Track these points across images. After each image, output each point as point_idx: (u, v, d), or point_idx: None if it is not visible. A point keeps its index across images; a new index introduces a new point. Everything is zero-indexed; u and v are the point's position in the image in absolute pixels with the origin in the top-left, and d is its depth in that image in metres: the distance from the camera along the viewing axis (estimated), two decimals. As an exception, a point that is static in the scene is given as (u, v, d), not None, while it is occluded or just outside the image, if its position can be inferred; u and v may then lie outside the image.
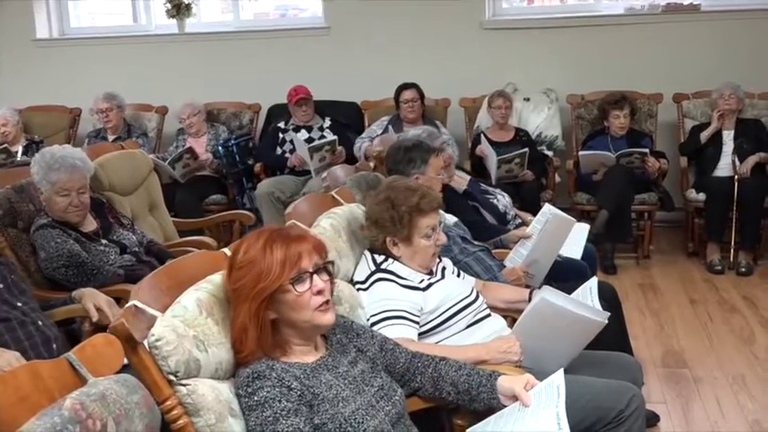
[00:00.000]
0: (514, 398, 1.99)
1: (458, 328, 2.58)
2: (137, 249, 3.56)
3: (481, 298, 2.72)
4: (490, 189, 4.47)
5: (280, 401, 1.80)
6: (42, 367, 1.53)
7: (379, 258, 2.62)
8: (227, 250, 2.16)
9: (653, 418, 3.30)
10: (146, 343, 1.75)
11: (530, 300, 2.77)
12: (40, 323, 2.74)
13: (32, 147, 5.98)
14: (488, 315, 2.69)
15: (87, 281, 3.20)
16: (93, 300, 2.93)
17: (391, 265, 2.59)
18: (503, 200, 4.34)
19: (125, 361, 1.77)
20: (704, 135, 5.61)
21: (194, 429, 1.78)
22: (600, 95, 5.92)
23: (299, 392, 1.84)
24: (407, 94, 5.87)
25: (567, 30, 6.32)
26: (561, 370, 1.94)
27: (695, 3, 6.19)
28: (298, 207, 2.81)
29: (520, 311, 2.64)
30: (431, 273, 2.67)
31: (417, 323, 2.50)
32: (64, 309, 2.99)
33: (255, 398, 1.81)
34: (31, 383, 1.47)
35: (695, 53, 6.09)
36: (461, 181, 4.21)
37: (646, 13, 6.28)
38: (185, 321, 1.82)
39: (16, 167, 4.87)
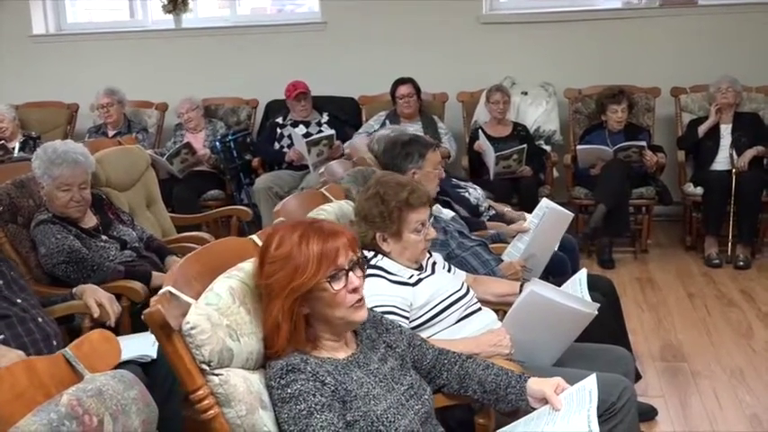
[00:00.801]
0: (544, 400, 1.97)
1: (448, 323, 2.57)
2: (137, 245, 3.56)
3: (471, 292, 2.71)
4: (461, 183, 4.47)
5: (314, 395, 1.78)
6: (39, 363, 1.53)
7: (369, 254, 2.61)
8: (255, 237, 2.14)
9: (651, 412, 3.30)
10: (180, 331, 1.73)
11: (520, 293, 2.77)
12: (39, 320, 2.74)
13: (29, 143, 5.98)
14: (479, 309, 2.68)
15: (87, 277, 3.20)
16: (94, 295, 2.92)
17: (380, 261, 2.58)
18: (474, 192, 4.34)
19: (122, 357, 1.77)
20: (702, 129, 5.61)
21: (225, 420, 1.76)
22: (597, 90, 5.92)
23: (332, 388, 1.82)
24: (403, 90, 5.87)
25: (564, 24, 6.31)
26: (594, 375, 1.92)
27: (692, -4, 6.20)
28: (287, 204, 2.81)
29: (511, 305, 2.63)
30: (420, 268, 2.66)
31: (407, 318, 2.49)
32: (64, 305, 2.98)
33: (289, 390, 1.79)
34: (28, 380, 1.46)
35: (693, 47, 6.09)
36: None
37: (643, 7, 6.28)
38: (219, 310, 1.80)
39: (13, 163, 4.85)
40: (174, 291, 1.77)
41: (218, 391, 1.76)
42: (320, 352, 1.91)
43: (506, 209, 4.36)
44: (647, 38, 6.18)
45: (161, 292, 1.77)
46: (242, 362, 1.83)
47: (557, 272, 3.39)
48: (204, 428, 1.78)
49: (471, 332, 2.55)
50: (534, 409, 2.00)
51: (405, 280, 2.55)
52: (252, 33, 6.78)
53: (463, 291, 2.67)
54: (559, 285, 2.62)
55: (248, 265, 1.96)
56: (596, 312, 2.43)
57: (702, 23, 6.11)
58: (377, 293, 2.49)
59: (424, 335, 2.51)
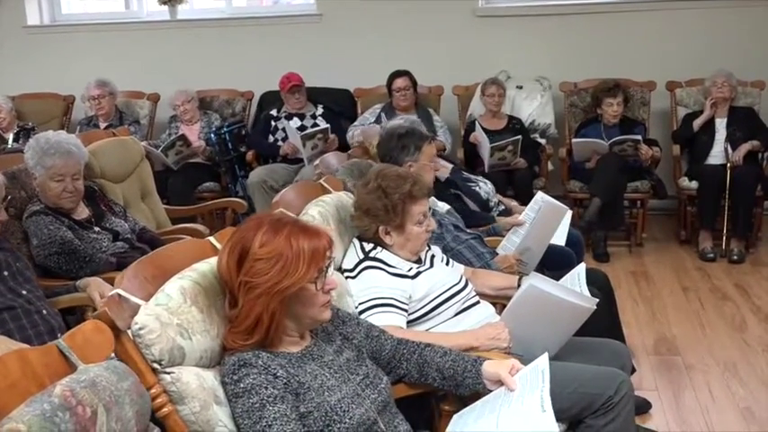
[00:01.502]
0: (500, 382, 2.00)
1: (447, 316, 2.58)
2: (129, 236, 3.55)
3: (470, 285, 2.72)
4: (472, 177, 4.47)
5: (266, 388, 1.80)
6: (32, 354, 1.52)
7: (368, 246, 2.62)
8: (212, 239, 2.15)
9: (645, 406, 3.31)
10: (129, 332, 1.75)
11: (519, 287, 2.78)
12: (44, 312, 2.73)
13: (24, 134, 5.95)
14: (477, 302, 2.69)
15: (79, 268, 3.19)
16: (98, 289, 2.92)
17: (380, 253, 2.59)
18: (485, 187, 4.34)
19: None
20: (697, 123, 5.61)
21: (179, 417, 1.78)
22: (593, 83, 5.91)
23: (284, 380, 1.83)
24: (400, 83, 5.86)
25: (560, 17, 6.31)
26: (546, 354, 1.95)
27: (689, -10, 6.19)
28: (285, 195, 2.80)
29: (509, 298, 2.64)
30: (419, 261, 2.67)
31: (406, 311, 2.50)
32: (68, 297, 2.98)
33: (242, 385, 1.81)
34: (21, 370, 1.46)
35: (688, 41, 6.09)
36: (444, 169, 4.21)
37: (639, 1, 6.27)
38: (169, 309, 1.81)
39: (8, 154, 4.84)
40: (122, 293, 1.79)
41: (171, 389, 1.77)
42: (276, 347, 1.93)
43: (513, 203, 4.35)
44: (643, 31, 6.17)
45: (110, 294, 1.80)
46: (195, 360, 1.84)
47: (561, 266, 3.37)
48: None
49: (469, 325, 2.56)
50: (491, 391, 2.02)
51: (404, 272, 2.55)
52: (247, 25, 6.77)
53: (462, 284, 2.67)
54: (556, 278, 2.61)
55: (203, 266, 1.97)
56: (595, 307, 2.43)
57: (698, 17, 6.10)
58: (376, 285, 2.49)
59: (422, 327, 2.53)
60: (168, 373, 1.77)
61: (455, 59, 6.34)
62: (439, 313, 2.57)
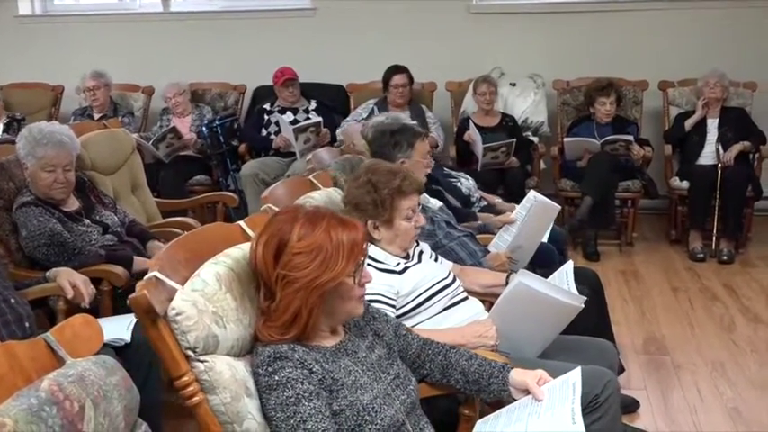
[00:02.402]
0: (526, 391, 1.98)
1: (434, 311, 2.57)
2: (118, 229, 3.53)
3: (458, 281, 2.71)
4: (453, 172, 4.47)
5: (302, 383, 1.77)
6: (18, 348, 1.51)
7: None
8: (243, 224, 2.12)
9: (633, 405, 3.32)
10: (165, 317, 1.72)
11: (507, 284, 2.77)
12: (12, 300, 2.70)
13: (13, 125, 5.92)
14: (465, 298, 2.68)
15: (68, 260, 3.17)
16: (69, 277, 2.90)
17: (368, 248, 2.58)
18: (466, 183, 4.34)
19: (104, 340, 1.75)
20: (689, 123, 5.63)
21: (209, 407, 1.75)
22: (586, 82, 5.92)
23: (320, 376, 1.81)
24: (398, 79, 5.84)
25: (554, 15, 6.32)
26: (578, 368, 1.94)
27: (683, -10, 6.20)
28: (274, 191, 2.79)
29: (497, 296, 2.63)
30: (407, 256, 2.66)
31: (394, 306, 2.49)
32: (38, 287, 2.95)
33: (276, 377, 1.77)
34: (7, 364, 1.44)
35: (681, 41, 6.11)
36: None
37: (634, 0, 6.28)
38: (205, 296, 1.78)
39: (-4, 145, 4.81)
40: (160, 276, 1.75)
41: (203, 378, 1.74)
42: (310, 340, 1.89)
43: (497, 200, 4.36)
44: (637, 31, 6.19)
45: (147, 276, 1.75)
46: (227, 348, 1.81)
47: (543, 263, 3.39)
48: (189, 414, 1.76)
49: (457, 321, 2.55)
50: (515, 399, 2.01)
51: (391, 268, 2.54)
52: (241, 18, 6.75)
53: (449, 279, 2.67)
54: (545, 276, 2.62)
55: (236, 252, 1.94)
56: (583, 305, 2.43)
57: (691, 18, 6.12)
58: None
59: (409, 323, 2.51)
60: (202, 362, 1.74)
61: (449, 56, 6.33)
62: (426, 308, 2.56)
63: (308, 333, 1.86)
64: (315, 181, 2.95)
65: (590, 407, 2.20)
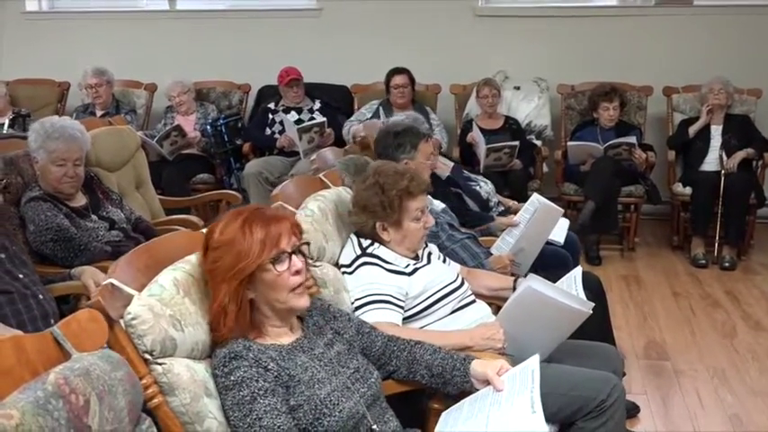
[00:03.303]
0: (488, 382, 2.01)
1: (442, 314, 2.58)
2: (125, 226, 3.55)
3: (466, 284, 2.72)
4: (473, 176, 4.48)
5: (257, 381, 1.81)
6: (26, 341, 1.51)
7: (365, 242, 2.62)
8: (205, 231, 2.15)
9: (633, 409, 3.32)
10: (122, 322, 1.75)
11: (514, 288, 2.78)
12: (40, 297, 2.72)
13: (19, 120, 5.94)
14: (473, 301, 2.69)
15: (74, 256, 3.18)
16: (93, 277, 2.91)
17: (377, 249, 2.59)
18: (485, 187, 4.35)
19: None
20: (693, 129, 5.63)
21: (169, 408, 1.78)
22: (590, 86, 5.92)
23: (275, 373, 1.85)
24: (398, 80, 5.86)
25: (559, 19, 6.32)
26: (536, 355, 1.96)
27: (688, -3, 6.21)
28: (285, 189, 2.80)
29: (504, 299, 2.64)
30: (416, 258, 2.67)
31: (402, 308, 2.50)
32: (63, 285, 2.97)
33: (232, 378, 1.82)
34: (15, 356, 1.45)
35: (686, 47, 6.11)
36: (445, 167, 4.22)
37: (639, 6, 6.30)
38: (162, 300, 1.82)
39: (2, 140, 4.82)
40: (116, 283, 1.79)
41: (162, 380, 1.78)
42: (264, 339, 1.95)
43: (513, 203, 4.36)
44: (642, 36, 6.19)
45: (103, 283, 1.80)
46: (187, 351, 1.85)
47: (557, 266, 3.38)
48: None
49: (465, 324, 2.56)
50: (478, 390, 2.03)
51: (401, 269, 2.55)
52: (246, 18, 6.76)
53: (458, 282, 2.68)
54: (549, 279, 2.62)
55: (195, 257, 1.99)
56: (590, 311, 2.43)
57: (696, 24, 6.13)
58: (373, 281, 2.49)
59: (417, 325, 2.53)
60: (160, 364, 1.78)
61: (453, 58, 6.34)
62: (435, 311, 2.57)
63: (255, 328, 1.93)
64: (325, 179, 2.96)
65: (596, 411, 2.21)
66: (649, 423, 3.30)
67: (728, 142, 5.48)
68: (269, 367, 1.84)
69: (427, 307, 2.56)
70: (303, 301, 1.97)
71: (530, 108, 6.05)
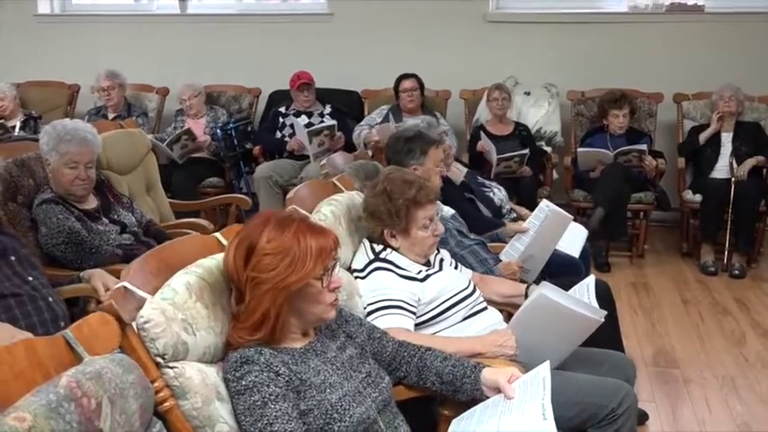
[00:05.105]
0: (498, 390, 2.00)
1: (454, 320, 2.58)
2: (136, 229, 3.56)
3: (478, 291, 2.72)
4: (487, 182, 4.48)
5: (268, 386, 1.80)
6: (38, 344, 1.52)
7: (378, 247, 2.62)
8: (218, 235, 2.15)
9: (642, 417, 3.31)
10: (134, 325, 1.75)
11: (526, 295, 2.78)
12: (50, 299, 2.72)
13: (30, 122, 5.95)
14: (485, 308, 2.69)
15: (85, 260, 3.19)
16: (102, 280, 2.92)
17: (390, 254, 2.59)
18: (499, 193, 4.35)
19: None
20: (703, 136, 5.62)
21: (181, 412, 1.78)
22: (600, 92, 5.92)
23: (286, 378, 1.84)
24: (407, 84, 5.86)
25: (570, 25, 6.31)
26: (547, 362, 1.95)
27: (699, 3, 6.21)
28: (299, 192, 2.81)
29: (516, 306, 2.64)
30: (428, 264, 2.67)
31: (414, 314, 2.50)
32: (72, 287, 2.97)
33: (243, 382, 1.81)
34: (27, 360, 1.46)
35: (697, 54, 6.09)
36: (458, 173, 4.22)
37: (649, 12, 6.28)
38: (174, 304, 1.82)
39: (14, 142, 4.84)
40: (128, 286, 1.80)
41: (174, 384, 1.78)
42: (279, 343, 1.94)
43: (525, 211, 4.36)
44: (652, 43, 6.18)
45: (116, 286, 1.81)
46: (198, 355, 1.85)
47: (569, 274, 3.37)
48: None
49: (477, 331, 2.56)
50: (488, 398, 2.03)
51: (413, 275, 2.56)
52: (257, 22, 6.78)
53: (470, 289, 2.68)
54: (558, 285, 2.61)
55: (208, 262, 1.98)
56: (603, 320, 2.43)
57: (707, 31, 6.11)
58: (385, 287, 2.50)
59: (429, 331, 2.53)
60: (171, 368, 1.78)
61: (464, 64, 6.34)
62: (447, 317, 2.57)
63: (278, 335, 1.91)
64: (338, 183, 2.96)
65: (607, 419, 2.21)
66: (658, 431, 3.28)
67: (739, 149, 5.46)
68: (280, 372, 1.84)
69: (440, 313, 2.56)
70: (333, 313, 1.99)
71: (540, 114, 6.04)
